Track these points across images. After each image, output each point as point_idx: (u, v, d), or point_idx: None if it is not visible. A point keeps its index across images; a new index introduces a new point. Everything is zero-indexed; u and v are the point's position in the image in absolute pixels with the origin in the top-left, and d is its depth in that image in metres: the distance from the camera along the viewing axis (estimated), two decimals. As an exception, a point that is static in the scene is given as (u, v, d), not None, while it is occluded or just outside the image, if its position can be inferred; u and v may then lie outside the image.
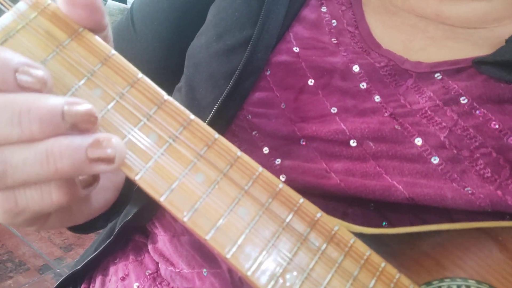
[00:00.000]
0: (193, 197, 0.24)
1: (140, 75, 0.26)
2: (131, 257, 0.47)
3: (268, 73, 0.41)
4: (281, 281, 0.24)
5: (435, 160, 0.33)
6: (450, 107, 0.35)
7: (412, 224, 0.35)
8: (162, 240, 0.44)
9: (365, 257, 0.25)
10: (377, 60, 0.39)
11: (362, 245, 0.25)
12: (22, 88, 0.22)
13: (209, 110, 0.40)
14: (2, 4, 0.26)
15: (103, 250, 0.47)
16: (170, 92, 0.50)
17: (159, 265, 0.43)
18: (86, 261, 0.48)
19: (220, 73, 0.41)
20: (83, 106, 0.23)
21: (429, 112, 0.35)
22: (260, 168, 0.25)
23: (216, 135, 0.26)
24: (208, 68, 0.42)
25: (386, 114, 0.36)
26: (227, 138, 0.41)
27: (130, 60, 0.27)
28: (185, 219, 0.24)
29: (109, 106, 0.25)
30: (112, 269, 0.49)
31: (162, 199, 0.24)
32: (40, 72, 0.23)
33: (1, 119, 0.22)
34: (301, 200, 0.25)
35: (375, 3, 0.43)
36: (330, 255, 0.25)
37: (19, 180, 0.23)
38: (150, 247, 0.45)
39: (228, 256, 0.24)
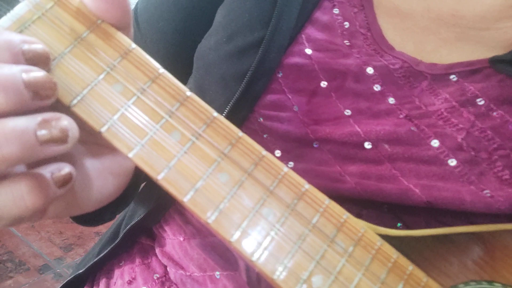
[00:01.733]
0: (217, 197, 0.23)
1: (162, 70, 0.25)
2: (137, 260, 0.45)
3: (279, 75, 0.39)
4: (308, 284, 0.23)
5: (452, 162, 0.32)
6: (466, 109, 0.34)
7: (427, 225, 0.34)
8: (171, 243, 0.42)
9: (392, 260, 0.24)
10: (391, 62, 0.38)
11: (389, 247, 0.25)
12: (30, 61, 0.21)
13: (220, 112, 0.39)
14: (16, -6, 0.25)
15: (108, 253, 0.46)
16: None
17: (168, 268, 0.42)
18: (90, 263, 0.47)
19: (231, 74, 0.39)
20: (40, 73, 0.21)
21: (445, 114, 0.34)
22: (285, 168, 0.25)
23: (240, 133, 0.25)
24: (219, 70, 0.41)
25: (401, 116, 0.35)
26: None
27: None
28: (209, 221, 0.23)
29: (130, 102, 0.24)
30: (117, 272, 0.47)
31: (185, 199, 0.23)
32: (39, 46, 0.22)
33: None
34: (327, 201, 0.25)
35: (386, 5, 0.42)
36: (357, 257, 0.24)
37: None
38: (157, 250, 0.44)
39: (254, 259, 0.23)
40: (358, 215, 0.36)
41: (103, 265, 0.49)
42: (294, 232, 0.23)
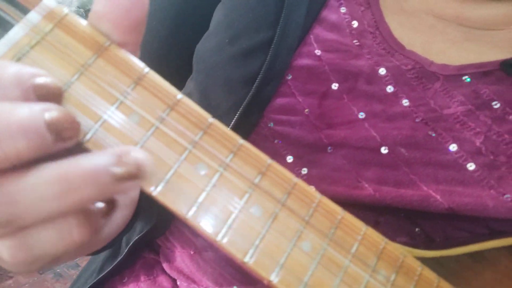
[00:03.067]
0: (252, 233, 0.21)
1: (180, 95, 0.22)
2: (142, 277, 0.43)
3: (289, 78, 0.37)
4: (351, 318, 0.22)
5: (471, 167, 0.32)
6: (482, 112, 0.33)
7: (445, 231, 0.34)
8: (180, 256, 0.40)
9: (435, 285, 0.23)
10: (403, 62, 0.36)
11: (430, 272, 0.23)
12: (41, 96, 0.19)
13: (227, 118, 0.37)
14: (8, 14, 0.22)
15: (111, 270, 0.43)
16: None
17: (178, 282, 0.40)
18: (92, 283, 0.44)
19: (237, 78, 0.37)
20: (61, 111, 0.19)
21: (461, 117, 0.33)
22: (319, 195, 0.23)
23: (269, 160, 0.23)
24: (223, 73, 0.38)
25: (417, 120, 0.34)
26: None
27: None
28: (246, 259, 0.21)
29: (149, 133, 0.21)
30: None
31: (218, 239, 0.21)
32: (51, 80, 0.19)
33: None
34: (364, 228, 0.23)
35: (390, 3, 0.40)
36: (400, 286, 0.23)
37: (32, 221, 0.18)
38: (165, 265, 0.41)
39: (295, 297, 0.21)
40: (376, 223, 0.35)
41: (105, 282, 0.46)
42: (335, 264, 0.22)
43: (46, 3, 0.21)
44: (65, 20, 0.21)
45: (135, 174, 0.19)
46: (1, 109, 0.17)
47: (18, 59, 0.20)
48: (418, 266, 0.23)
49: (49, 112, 0.18)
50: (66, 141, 0.18)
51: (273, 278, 0.21)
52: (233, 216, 0.21)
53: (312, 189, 0.23)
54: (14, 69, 0.18)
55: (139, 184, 0.19)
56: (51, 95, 0.19)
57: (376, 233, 0.23)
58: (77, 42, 0.21)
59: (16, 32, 0.21)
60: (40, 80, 0.19)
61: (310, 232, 0.22)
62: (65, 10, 0.21)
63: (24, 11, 0.21)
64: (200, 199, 0.21)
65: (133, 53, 0.22)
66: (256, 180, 0.22)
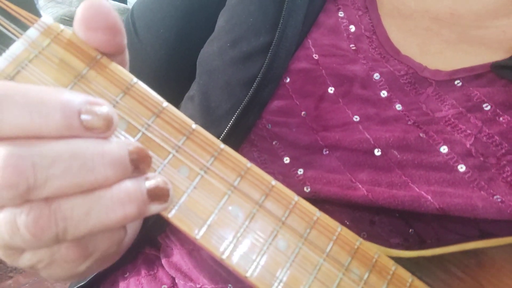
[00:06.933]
0: (230, 232, 0.23)
1: (165, 103, 0.24)
2: (143, 271, 0.45)
3: (287, 81, 0.39)
4: (324, 314, 0.23)
5: (462, 168, 0.33)
6: (473, 114, 0.34)
7: (436, 233, 0.34)
8: (179, 253, 0.43)
9: (408, 284, 0.24)
10: (397, 68, 0.38)
11: (403, 271, 0.25)
12: (88, 129, 0.21)
13: (226, 119, 0.39)
14: (9, 32, 0.24)
15: (112, 265, 0.46)
16: (179, 101, 0.49)
17: (176, 280, 0.42)
18: (92, 275, 0.47)
19: (236, 80, 0.39)
20: (140, 147, 0.22)
21: (452, 120, 0.35)
22: (296, 197, 0.24)
23: (249, 163, 0.24)
24: (223, 76, 0.40)
25: (409, 123, 0.35)
26: (245, 147, 0.40)
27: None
28: (223, 257, 0.23)
29: (135, 139, 0.23)
30: (122, 284, 0.47)
31: (198, 237, 0.23)
32: (104, 109, 0.21)
33: (73, 167, 0.20)
34: (339, 228, 0.25)
35: (388, 7, 0.42)
36: (373, 284, 0.24)
37: (82, 234, 0.21)
38: (164, 261, 0.44)
39: (270, 292, 0.23)
40: (371, 222, 0.36)
41: (107, 277, 0.48)
42: (309, 263, 0.23)
43: (44, 20, 0.23)
44: (60, 35, 0.23)
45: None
46: (94, 144, 0.21)
47: (18, 72, 0.22)
48: (391, 265, 0.24)
49: (131, 147, 0.22)
50: (140, 173, 0.22)
51: (250, 274, 0.22)
52: (212, 216, 0.23)
53: (289, 191, 0.24)
54: (62, 98, 0.20)
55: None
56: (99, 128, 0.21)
57: (351, 233, 0.24)
58: (71, 55, 0.23)
59: (17, 47, 0.23)
60: (86, 117, 0.21)
61: (286, 232, 0.23)
62: (61, 26, 0.23)
63: (24, 28, 0.23)
64: (182, 200, 0.23)
65: (122, 65, 0.24)
66: (235, 183, 0.23)
